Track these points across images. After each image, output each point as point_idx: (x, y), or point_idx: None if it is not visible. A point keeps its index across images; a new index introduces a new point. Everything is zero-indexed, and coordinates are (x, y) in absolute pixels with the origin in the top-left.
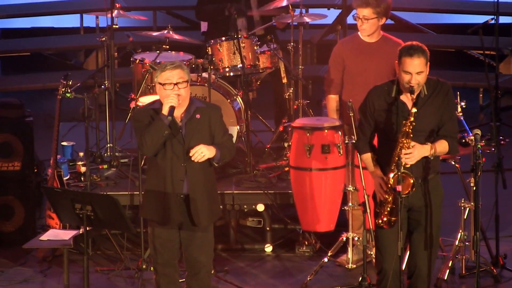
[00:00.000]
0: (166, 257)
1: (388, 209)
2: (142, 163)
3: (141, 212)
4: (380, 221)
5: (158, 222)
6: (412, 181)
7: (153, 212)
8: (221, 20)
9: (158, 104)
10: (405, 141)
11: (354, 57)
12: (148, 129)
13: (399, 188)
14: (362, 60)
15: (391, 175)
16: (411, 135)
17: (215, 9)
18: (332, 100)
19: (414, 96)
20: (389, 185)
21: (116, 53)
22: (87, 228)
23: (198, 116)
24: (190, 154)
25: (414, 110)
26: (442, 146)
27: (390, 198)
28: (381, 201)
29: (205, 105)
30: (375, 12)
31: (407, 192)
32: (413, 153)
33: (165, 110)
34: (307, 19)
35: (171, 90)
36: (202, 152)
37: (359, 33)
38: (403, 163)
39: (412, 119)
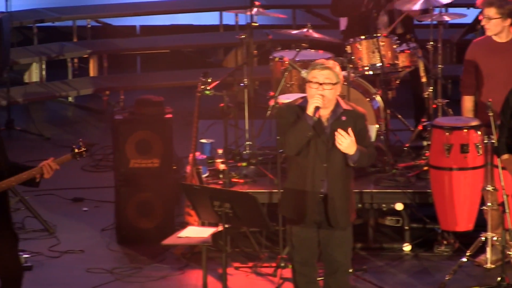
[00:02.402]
0: (304, 255)
1: None
2: (281, 161)
3: (279, 210)
4: None
5: (295, 221)
6: None
7: (291, 210)
8: (359, 17)
9: (305, 102)
10: None
11: (485, 57)
12: (292, 129)
13: None
14: (493, 60)
15: None
16: None
17: (351, 5)
18: (467, 100)
19: None
20: None
21: (255, 51)
22: (226, 226)
23: (344, 118)
24: (336, 133)
25: None
26: None
27: None
28: None
29: (352, 109)
30: (499, 13)
31: None
32: None
33: (309, 111)
34: (446, 18)
35: (315, 89)
36: (343, 142)
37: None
38: None
39: None
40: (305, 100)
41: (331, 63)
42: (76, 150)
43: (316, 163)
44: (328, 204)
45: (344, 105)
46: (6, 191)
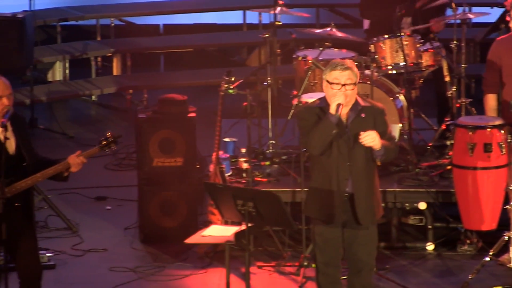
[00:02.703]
0: (329, 255)
1: None
2: (304, 159)
3: (304, 210)
4: None
5: (322, 221)
6: None
7: (317, 210)
8: (383, 16)
9: (323, 102)
10: None
11: (508, 56)
12: (316, 128)
13: None
14: None
15: None
16: None
17: (382, 13)
18: (490, 99)
19: None
20: None
21: (278, 50)
22: (249, 225)
23: (363, 115)
24: (361, 136)
25: None
26: None
27: None
28: None
29: (370, 105)
30: None
31: None
32: None
33: (332, 109)
34: (470, 17)
35: (338, 90)
36: (373, 139)
37: None
38: None
39: None
40: (322, 100)
41: (349, 62)
42: (104, 142)
43: (339, 163)
44: (354, 203)
45: (362, 102)
46: (30, 190)
